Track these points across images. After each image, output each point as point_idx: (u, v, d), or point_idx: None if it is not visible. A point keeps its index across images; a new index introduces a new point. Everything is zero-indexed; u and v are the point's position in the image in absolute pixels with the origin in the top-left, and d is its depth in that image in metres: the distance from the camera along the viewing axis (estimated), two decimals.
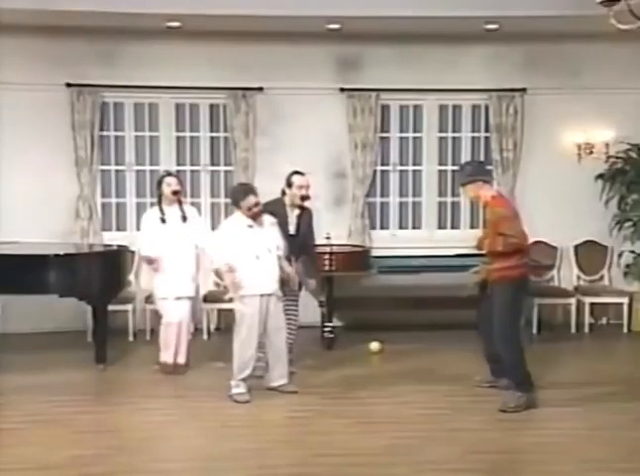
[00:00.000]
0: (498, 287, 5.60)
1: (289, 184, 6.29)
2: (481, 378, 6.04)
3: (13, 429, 5.22)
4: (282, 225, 6.11)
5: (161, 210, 6.58)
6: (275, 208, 6.17)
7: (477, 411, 5.59)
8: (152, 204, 7.81)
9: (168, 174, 6.88)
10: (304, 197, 6.29)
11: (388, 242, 8.56)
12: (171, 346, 6.55)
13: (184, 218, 6.58)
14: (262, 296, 5.73)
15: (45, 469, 4.57)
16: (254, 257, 5.74)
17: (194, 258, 6.65)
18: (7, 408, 5.61)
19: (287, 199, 6.33)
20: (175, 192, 6.56)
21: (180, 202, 6.65)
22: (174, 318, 6.53)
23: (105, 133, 8.39)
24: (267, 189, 8.18)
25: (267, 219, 5.93)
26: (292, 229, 6.30)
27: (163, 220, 6.54)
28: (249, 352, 5.75)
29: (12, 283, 6.30)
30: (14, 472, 4.51)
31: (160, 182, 6.66)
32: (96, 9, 7.12)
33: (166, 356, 6.57)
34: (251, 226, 5.78)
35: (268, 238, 5.85)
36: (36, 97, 8.04)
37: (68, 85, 8.08)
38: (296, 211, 6.34)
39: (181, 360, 6.61)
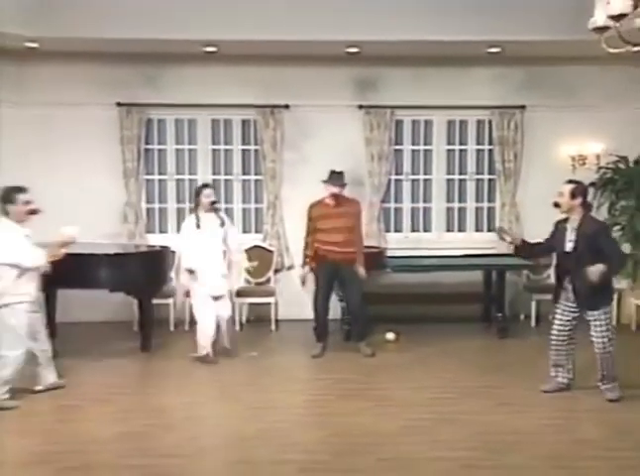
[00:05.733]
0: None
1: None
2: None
3: (74, 406, 5.35)
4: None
5: (197, 217, 6.59)
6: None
7: (483, 395, 5.58)
8: (190, 210, 7.88)
9: (206, 185, 6.81)
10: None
11: (402, 243, 8.53)
12: (207, 339, 6.55)
13: (222, 224, 6.63)
14: None
15: (98, 443, 4.66)
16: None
17: (226, 260, 6.67)
18: (69, 387, 5.70)
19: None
20: (213, 203, 6.61)
21: (216, 210, 6.69)
22: (211, 315, 6.56)
23: (150, 146, 8.44)
24: (293, 197, 8.32)
25: None
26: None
27: (198, 226, 6.55)
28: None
29: (70, 278, 6.30)
30: (73, 445, 4.61)
31: (198, 193, 6.68)
32: (142, 36, 7.19)
33: (204, 349, 6.54)
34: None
35: None
36: (91, 115, 8.15)
37: (119, 104, 8.16)
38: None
39: (228, 345, 6.72)
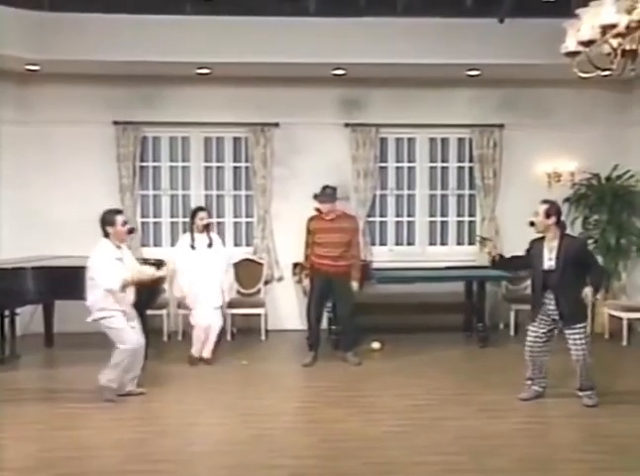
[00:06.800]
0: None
1: None
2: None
3: (71, 414, 5.33)
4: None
5: (192, 238, 6.80)
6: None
7: (464, 401, 5.60)
8: (184, 224, 7.92)
9: (201, 208, 6.99)
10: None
11: (386, 256, 8.57)
12: (198, 344, 6.83)
13: (210, 245, 6.80)
14: None
15: (96, 449, 4.65)
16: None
17: (218, 275, 6.83)
18: (65, 395, 5.69)
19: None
20: (206, 225, 6.82)
21: (209, 231, 6.88)
22: (201, 323, 6.79)
23: (144, 163, 8.45)
24: (283, 212, 8.34)
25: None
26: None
27: (193, 247, 6.78)
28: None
29: (66, 289, 6.29)
30: (71, 451, 4.59)
31: (193, 215, 6.85)
32: (138, 59, 7.24)
33: (194, 351, 6.85)
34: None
35: None
36: (89, 133, 8.16)
37: (115, 123, 8.18)
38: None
39: (206, 355, 6.84)
